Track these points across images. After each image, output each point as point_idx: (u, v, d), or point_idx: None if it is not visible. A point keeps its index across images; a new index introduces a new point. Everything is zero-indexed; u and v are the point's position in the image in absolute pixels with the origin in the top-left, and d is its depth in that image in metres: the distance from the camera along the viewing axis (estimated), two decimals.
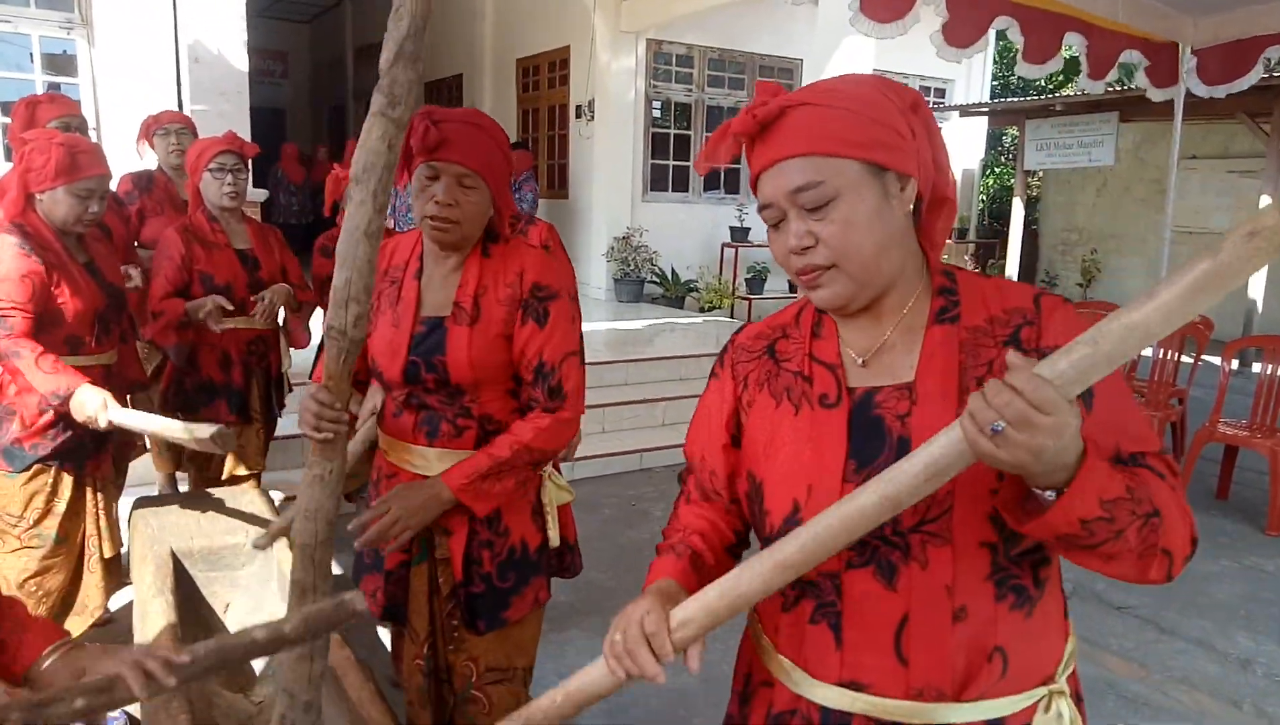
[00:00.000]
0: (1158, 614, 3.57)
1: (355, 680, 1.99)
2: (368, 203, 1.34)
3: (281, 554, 2.49)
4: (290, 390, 3.58)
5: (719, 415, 1.20)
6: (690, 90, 9.64)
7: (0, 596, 1.26)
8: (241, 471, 3.28)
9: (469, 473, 1.70)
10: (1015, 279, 9.89)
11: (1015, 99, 11.01)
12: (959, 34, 4.85)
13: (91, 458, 2.65)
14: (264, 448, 3.43)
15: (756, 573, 0.97)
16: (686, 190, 9.74)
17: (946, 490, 0.98)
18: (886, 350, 1.08)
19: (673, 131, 9.64)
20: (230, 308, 3.04)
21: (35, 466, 2.53)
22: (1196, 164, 10.24)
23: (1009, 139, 14.85)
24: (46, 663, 1.22)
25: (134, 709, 2.41)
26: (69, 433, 2.53)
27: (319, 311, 3.29)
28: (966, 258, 11.71)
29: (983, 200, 12.90)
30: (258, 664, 2.38)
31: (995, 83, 14.09)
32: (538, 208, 8.76)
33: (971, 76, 11.51)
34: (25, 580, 2.53)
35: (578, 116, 9.31)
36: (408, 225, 5.06)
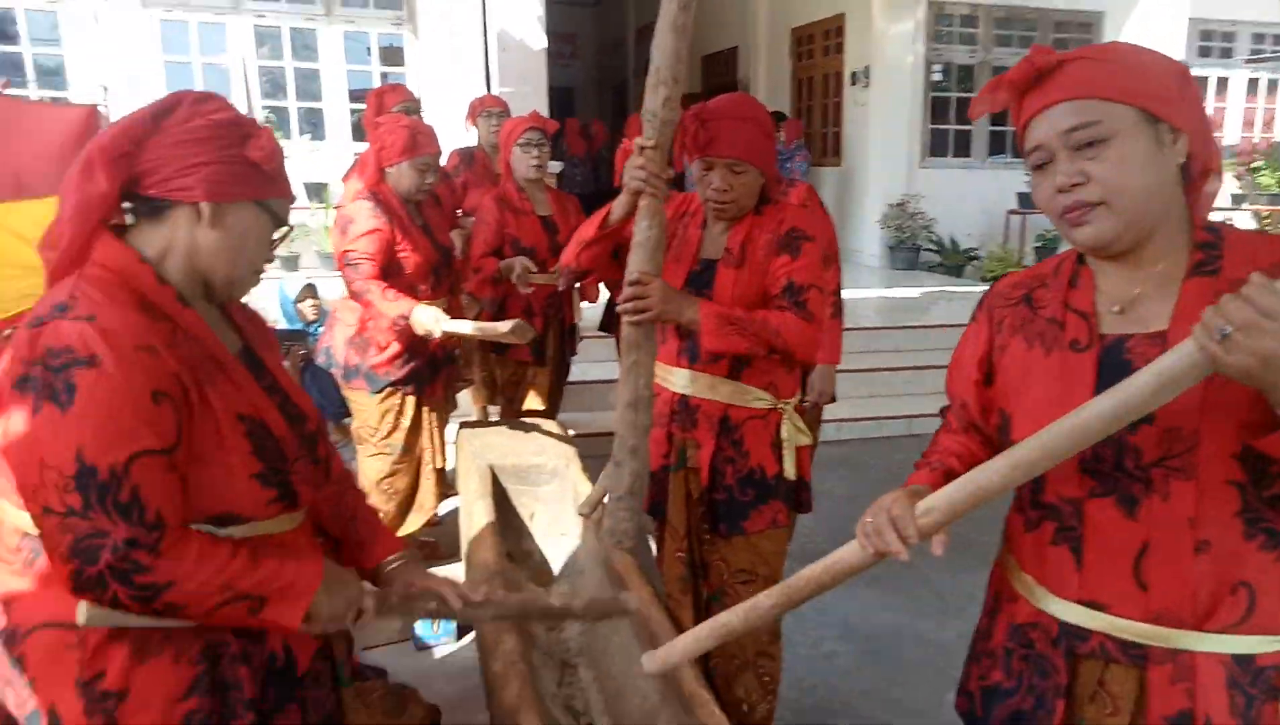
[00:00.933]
0: None
1: (639, 586, 2.25)
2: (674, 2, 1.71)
3: (577, 477, 2.84)
4: (580, 339, 3.98)
5: (973, 355, 1.29)
6: (974, 51, 9.16)
7: (366, 506, 1.56)
8: (539, 406, 3.72)
9: (721, 311, 1.90)
10: None
11: None
12: None
13: (429, 384, 3.15)
14: (559, 388, 3.85)
15: (995, 469, 1.06)
16: (968, 155, 9.27)
17: (1192, 428, 1.02)
18: (1141, 300, 1.11)
19: (954, 95, 9.21)
20: (534, 269, 3.44)
21: (387, 389, 3.06)
22: None
23: None
24: (389, 568, 1.50)
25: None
26: (411, 364, 3.03)
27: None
28: None
29: None
30: (555, 564, 2.75)
31: None
32: (808, 175, 8.80)
33: None
34: (380, 480, 3.07)
35: (853, 83, 9.16)
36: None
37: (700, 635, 1.43)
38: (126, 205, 1.21)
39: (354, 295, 2.99)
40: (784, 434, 2.09)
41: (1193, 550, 1.04)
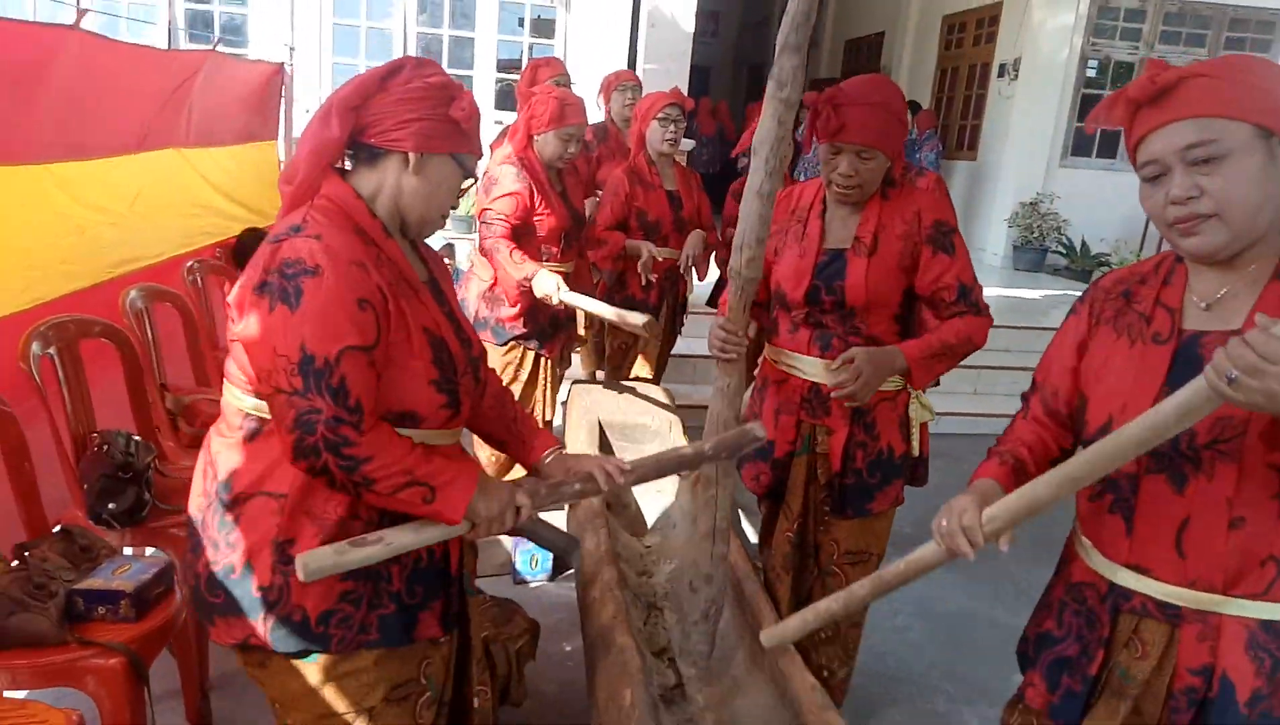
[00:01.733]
0: None
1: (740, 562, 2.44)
2: (760, 170, 1.74)
3: (678, 439, 3.05)
4: (688, 314, 4.15)
5: (1071, 342, 1.40)
6: (1136, 48, 8.76)
7: (524, 413, 1.79)
8: (646, 373, 3.93)
9: (924, 349, 2.00)
10: None
11: None
12: None
13: (549, 342, 3.40)
14: (665, 358, 4.05)
15: (1049, 483, 1.20)
16: (1114, 156, 8.91)
17: (1243, 417, 1.12)
18: (1229, 298, 1.20)
19: (1107, 92, 8.80)
20: (660, 258, 3.61)
21: (510, 343, 3.33)
22: None
23: None
24: (548, 460, 1.72)
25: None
26: (536, 321, 3.29)
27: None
28: None
29: None
30: (650, 518, 2.97)
31: None
32: (939, 167, 8.65)
33: None
34: None
35: (1000, 76, 8.93)
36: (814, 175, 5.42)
37: (808, 618, 1.63)
38: (349, 151, 1.46)
39: (484, 251, 3.24)
40: (911, 412, 2.18)
41: (1227, 526, 1.16)
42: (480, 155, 1.54)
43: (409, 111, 1.39)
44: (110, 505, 2.19)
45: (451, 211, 1.55)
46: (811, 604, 1.63)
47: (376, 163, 1.44)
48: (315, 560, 1.33)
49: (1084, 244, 8.37)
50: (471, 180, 1.53)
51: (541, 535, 1.92)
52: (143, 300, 2.76)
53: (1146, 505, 1.23)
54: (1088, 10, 8.42)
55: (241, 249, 3.60)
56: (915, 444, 2.19)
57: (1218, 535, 1.17)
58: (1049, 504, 1.21)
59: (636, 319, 2.93)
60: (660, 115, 3.65)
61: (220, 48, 3.95)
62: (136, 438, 2.31)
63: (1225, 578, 1.17)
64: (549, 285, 3.12)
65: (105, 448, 2.22)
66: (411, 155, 1.41)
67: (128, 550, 2.21)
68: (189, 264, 3.29)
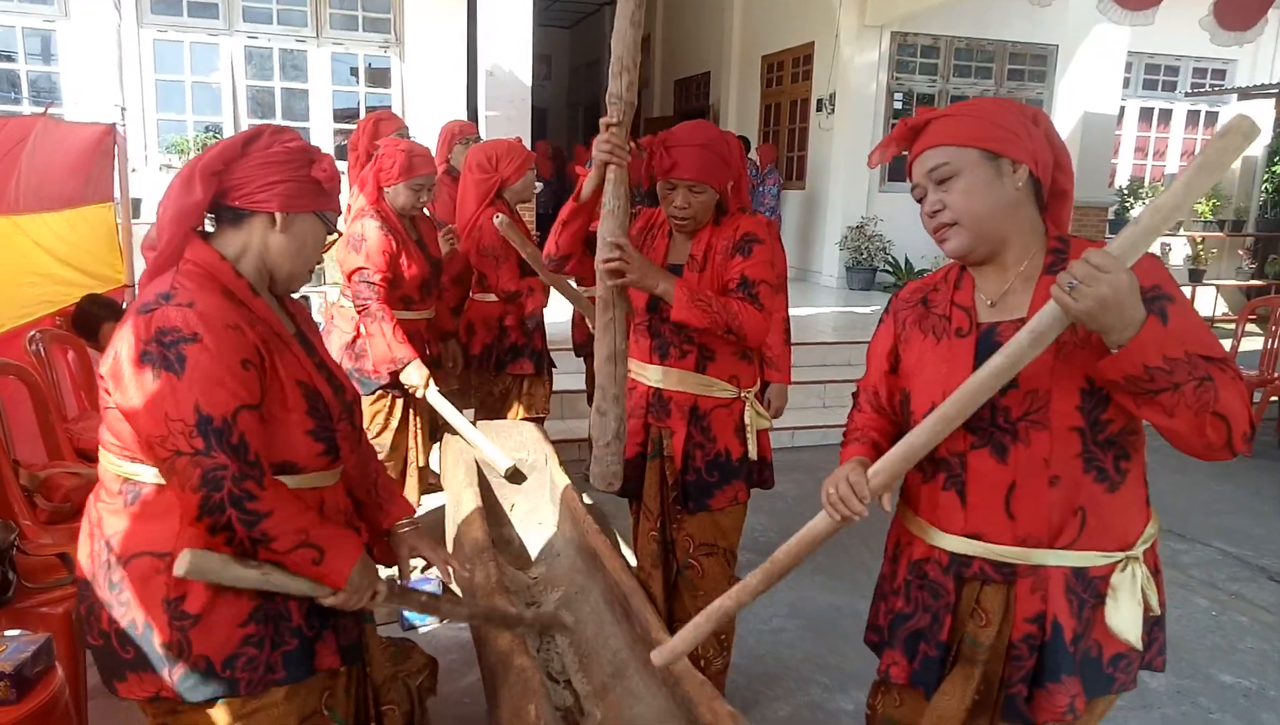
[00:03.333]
0: None
1: (611, 557, 2.57)
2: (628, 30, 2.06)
3: (554, 471, 3.15)
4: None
5: (882, 349, 1.63)
6: (934, 81, 9.63)
7: (385, 475, 1.88)
8: (531, 416, 3.95)
9: (692, 288, 2.16)
10: None
11: None
12: (1233, 17, 4.66)
13: None
14: (548, 402, 4.11)
15: (925, 428, 1.37)
16: None
17: (1046, 388, 1.36)
18: (1010, 294, 1.45)
19: None
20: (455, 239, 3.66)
21: (378, 392, 3.36)
22: None
23: None
24: (400, 529, 1.82)
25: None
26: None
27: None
28: (1241, 252, 10.73)
29: (1266, 190, 11.69)
30: (533, 550, 3.06)
31: None
32: (779, 199, 9.20)
33: (1260, 56, 10.53)
34: None
35: (818, 110, 9.60)
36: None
37: (700, 624, 1.69)
38: (211, 215, 1.52)
39: (362, 312, 3.22)
40: (747, 419, 2.40)
41: (1048, 484, 1.38)
42: (340, 211, 1.64)
43: (272, 174, 1.48)
44: None
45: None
46: (704, 610, 1.70)
47: (242, 223, 1.51)
48: (198, 561, 1.37)
49: (907, 261, 9.08)
50: (334, 235, 1.63)
51: (411, 604, 1.90)
52: None
53: (976, 478, 1.44)
54: (889, 48, 9.22)
55: (82, 316, 3.47)
56: (753, 447, 2.41)
57: (1041, 494, 1.39)
58: (925, 449, 1.39)
59: (501, 463, 3.13)
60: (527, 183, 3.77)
61: (34, 109, 3.80)
62: None
63: (1050, 531, 1.39)
64: (417, 379, 3.22)
65: None
66: (278, 215, 1.49)
67: None
68: (31, 334, 3.15)
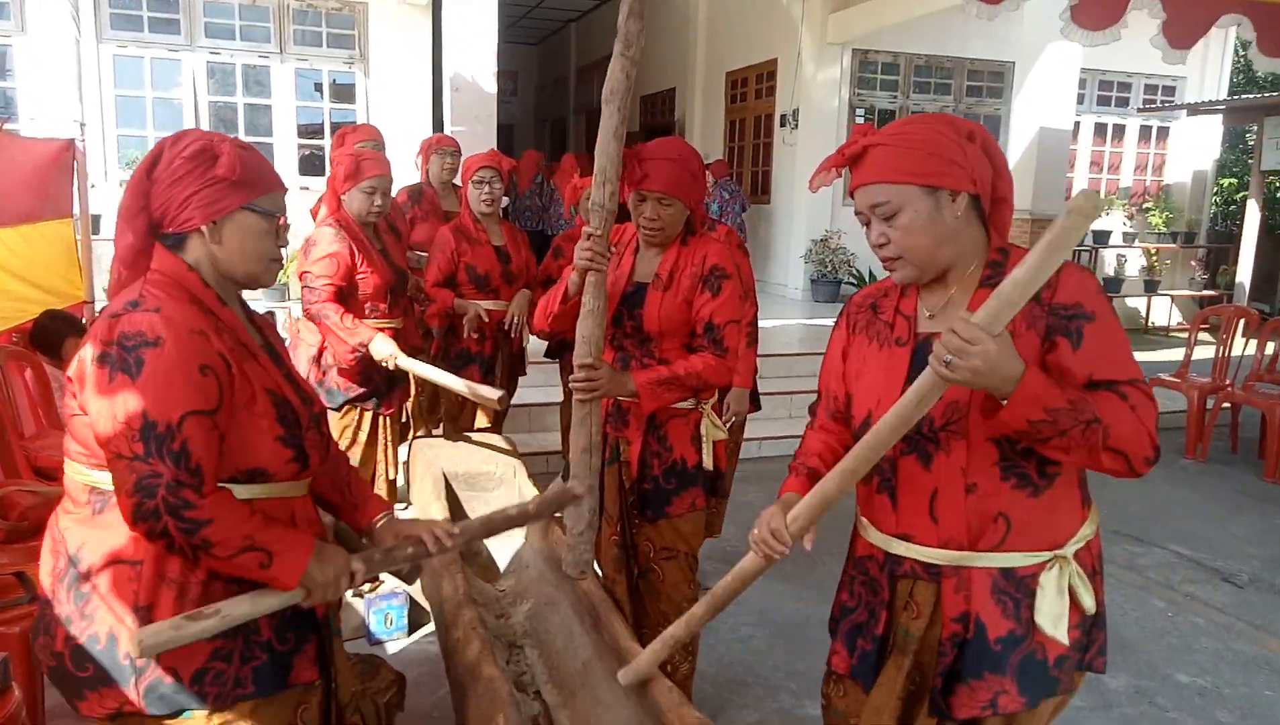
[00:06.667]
0: None
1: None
2: (614, 115, 2.05)
3: (523, 483, 3.16)
4: (526, 364, 4.28)
5: (837, 352, 1.67)
6: (895, 97, 9.81)
7: (357, 476, 1.87)
8: (485, 424, 4.02)
9: (652, 377, 2.26)
10: (1248, 286, 9.32)
11: (1252, 95, 10.24)
12: (1181, 35, 4.80)
13: (385, 400, 3.44)
14: (507, 409, 4.14)
15: (832, 479, 1.44)
16: None
17: (965, 400, 1.40)
18: (950, 306, 1.49)
19: None
20: (486, 318, 3.76)
21: (345, 406, 3.35)
22: None
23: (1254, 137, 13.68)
24: (379, 524, 1.79)
25: (415, 590, 3.17)
26: (369, 382, 3.33)
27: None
28: (1193, 263, 11.01)
29: (1216, 203, 12.02)
30: (501, 562, 3.06)
31: (1239, 77, 13.07)
32: (744, 208, 9.26)
33: (1207, 72, 10.85)
34: None
35: (782, 125, 9.73)
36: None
37: (656, 648, 1.82)
38: (160, 242, 1.51)
39: (310, 317, 3.26)
40: (703, 430, 2.44)
41: (964, 491, 1.43)
42: (276, 189, 1.57)
43: (183, 191, 1.46)
44: None
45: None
46: (660, 635, 1.85)
47: (183, 245, 1.50)
48: (151, 636, 1.34)
49: (871, 274, 9.20)
50: (281, 216, 1.58)
51: (399, 560, 1.93)
52: None
53: (904, 482, 1.49)
54: (850, 65, 9.38)
55: (42, 332, 3.42)
56: (709, 458, 2.45)
57: (959, 500, 1.44)
58: (837, 496, 1.45)
59: (489, 393, 3.04)
60: (474, 178, 3.81)
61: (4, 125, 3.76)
62: None
63: (969, 536, 1.44)
64: (387, 348, 3.18)
65: None
66: (205, 227, 1.48)
67: None
68: None
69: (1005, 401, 1.28)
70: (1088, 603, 1.46)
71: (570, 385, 2.20)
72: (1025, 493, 1.43)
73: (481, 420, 4.04)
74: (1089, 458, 1.31)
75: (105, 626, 1.42)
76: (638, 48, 2.01)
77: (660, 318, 2.33)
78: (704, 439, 2.44)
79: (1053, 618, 1.42)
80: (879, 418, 1.45)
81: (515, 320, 3.87)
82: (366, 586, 2.53)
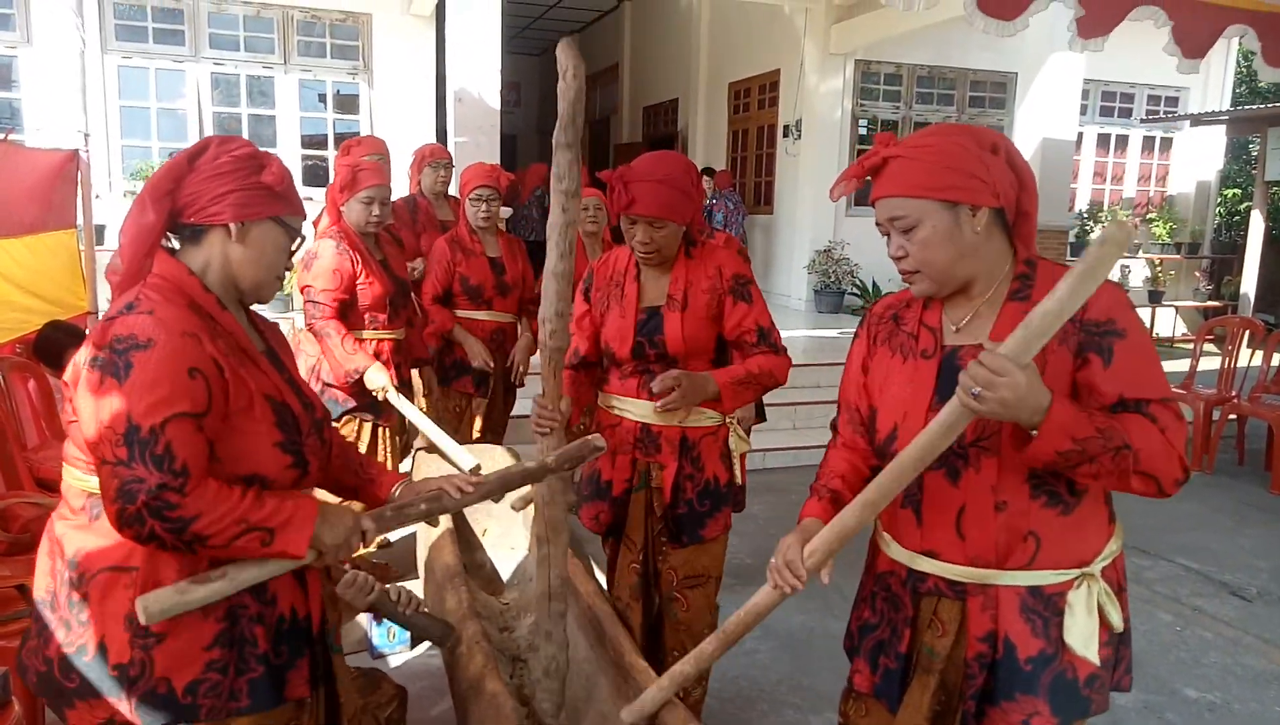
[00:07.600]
0: None
1: (584, 581, 2.56)
2: (554, 252, 1.79)
3: (526, 492, 3.13)
4: (526, 373, 4.26)
5: (858, 364, 1.65)
6: (898, 108, 9.82)
7: (366, 457, 1.87)
8: (488, 437, 4.00)
9: (732, 376, 2.24)
10: (1253, 297, 9.30)
11: (1256, 106, 10.24)
12: (1188, 44, 4.81)
13: (384, 413, 3.42)
14: (504, 419, 4.14)
15: (853, 511, 1.42)
16: None
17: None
18: (975, 319, 1.47)
19: None
20: (492, 366, 3.81)
21: (345, 416, 3.33)
22: None
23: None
24: (397, 492, 1.78)
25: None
26: (367, 394, 3.31)
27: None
28: (1198, 274, 10.99)
29: (1220, 213, 12.00)
30: (505, 574, 3.04)
31: (1242, 88, 13.09)
32: (742, 215, 9.27)
33: (1210, 83, 10.86)
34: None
35: (785, 136, 9.73)
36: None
37: (664, 685, 1.80)
38: (173, 233, 1.51)
39: (313, 332, 3.26)
40: (731, 444, 2.40)
41: (994, 509, 1.40)
42: (303, 214, 1.61)
43: (221, 186, 1.46)
44: None
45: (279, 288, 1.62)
46: (666, 672, 1.82)
47: (200, 239, 1.50)
48: (157, 602, 1.34)
49: (874, 284, 9.20)
50: (300, 239, 1.60)
51: (417, 625, 1.99)
52: None
53: (931, 497, 1.47)
54: (853, 76, 9.39)
55: (46, 343, 3.41)
56: (739, 472, 2.41)
57: (988, 517, 1.41)
58: (856, 529, 1.43)
59: (465, 462, 2.99)
60: (472, 195, 3.81)
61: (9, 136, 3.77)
62: None
63: (997, 553, 1.41)
64: (380, 381, 3.21)
65: None
66: (233, 226, 1.48)
67: None
68: None
69: (1034, 431, 1.27)
70: (1116, 620, 1.44)
71: (532, 425, 1.95)
72: (1055, 510, 1.41)
73: (485, 434, 4.02)
74: (1119, 482, 1.30)
75: (96, 634, 1.41)
76: (570, 180, 1.75)
77: (685, 338, 2.27)
78: (733, 454, 2.40)
79: (1084, 638, 1.40)
80: (905, 431, 1.43)
81: (519, 369, 3.94)
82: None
